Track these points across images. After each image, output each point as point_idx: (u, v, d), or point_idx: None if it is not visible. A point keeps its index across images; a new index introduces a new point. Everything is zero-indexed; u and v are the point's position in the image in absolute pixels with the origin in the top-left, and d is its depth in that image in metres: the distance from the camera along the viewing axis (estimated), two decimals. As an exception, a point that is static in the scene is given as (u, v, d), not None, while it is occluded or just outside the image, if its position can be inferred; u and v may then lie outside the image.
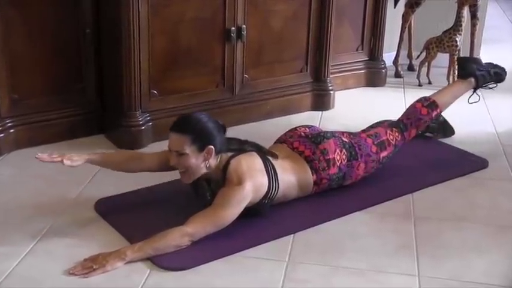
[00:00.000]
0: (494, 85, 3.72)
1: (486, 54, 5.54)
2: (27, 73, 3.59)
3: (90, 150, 3.59)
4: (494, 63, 3.76)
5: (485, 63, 3.74)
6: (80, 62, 3.73)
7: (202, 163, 2.80)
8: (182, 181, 2.87)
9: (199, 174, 2.83)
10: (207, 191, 2.87)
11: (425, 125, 3.49)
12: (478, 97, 3.74)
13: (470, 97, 3.73)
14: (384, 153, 3.27)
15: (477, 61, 3.77)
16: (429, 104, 3.47)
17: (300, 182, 3.05)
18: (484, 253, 2.78)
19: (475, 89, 3.70)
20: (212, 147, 2.78)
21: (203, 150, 2.77)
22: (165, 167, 2.92)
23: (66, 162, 2.79)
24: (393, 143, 3.31)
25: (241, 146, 2.94)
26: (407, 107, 3.56)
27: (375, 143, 3.25)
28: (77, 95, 3.77)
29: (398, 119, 3.45)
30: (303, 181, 3.06)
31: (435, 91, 3.66)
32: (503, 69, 3.72)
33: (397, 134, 3.34)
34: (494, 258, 2.75)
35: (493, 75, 3.67)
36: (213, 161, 2.82)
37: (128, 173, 3.00)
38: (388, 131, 3.33)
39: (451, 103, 3.60)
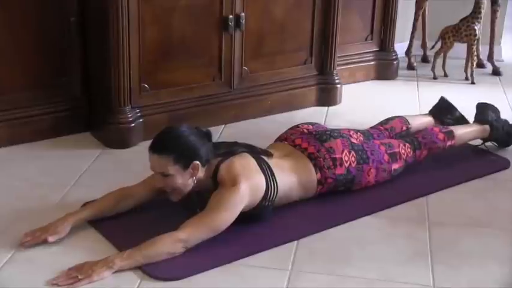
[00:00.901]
0: (497, 145, 3.78)
1: (508, 44, 5.54)
2: (7, 66, 3.58)
3: (76, 149, 3.62)
4: (510, 122, 3.81)
5: (502, 119, 3.81)
6: (64, 54, 3.73)
7: (189, 179, 2.81)
8: (171, 200, 2.88)
9: (188, 190, 2.85)
10: (197, 206, 2.85)
11: (437, 151, 3.49)
12: (484, 147, 3.79)
13: (477, 146, 3.76)
14: (395, 165, 3.29)
15: (496, 111, 3.84)
16: (447, 131, 3.53)
17: (302, 181, 3.05)
18: (504, 262, 2.78)
19: (485, 140, 3.75)
20: (197, 162, 2.79)
21: (188, 167, 2.79)
22: (156, 192, 2.94)
23: (52, 238, 2.73)
24: (404, 157, 3.33)
25: (230, 149, 2.94)
26: (420, 108, 3.59)
27: (388, 152, 3.27)
28: (61, 90, 3.76)
29: (414, 136, 3.48)
30: (306, 180, 3.06)
31: (451, 84, 3.66)
32: None
33: (409, 150, 3.37)
34: (516, 267, 2.76)
35: (504, 132, 3.75)
36: (201, 174, 2.84)
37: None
38: (401, 145, 3.35)
39: (465, 141, 3.66)
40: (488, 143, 3.75)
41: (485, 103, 3.86)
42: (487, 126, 3.70)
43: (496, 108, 3.84)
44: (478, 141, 3.74)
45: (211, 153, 2.86)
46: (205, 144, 2.85)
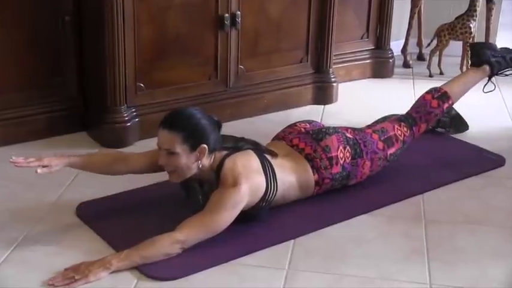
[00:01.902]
0: (511, 72, 3.71)
1: (503, 41, 5.54)
2: (1, 66, 3.58)
3: (71, 149, 3.60)
4: (511, 48, 3.75)
5: (501, 49, 3.73)
6: (59, 53, 3.73)
7: (193, 163, 2.79)
8: (170, 181, 2.87)
9: (190, 175, 2.83)
10: (199, 193, 2.87)
11: (436, 118, 3.48)
12: (493, 86, 3.74)
13: (485, 86, 3.72)
14: (391, 150, 3.27)
15: (491, 47, 3.76)
16: (440, 95, 3.47)
17: (300, 182, 3.05)
18: (501, 259, 2.78)
19: (490, 77, 3.68)
20: (205, 146, 2.78)
21: (195, 149, 2.77)
22: (154, 167, 2.93)
23: (42, 171, 2.75)
24: (401, 138, 3.31)
25: (237, 144, 2.94)
26: (416, 99, 3.56)
27: (382, 139, 3.26)
28: (56, 89, 3.76)
29: (407, 113, 3.45)
30: (304, 181, 3.06)
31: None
32: None
33: (405, 129, 3.34)
34: (512, 264, 2.76)
35: (509, 61, 3.66)
36: (205, 161, 2.82)
37: (114, 175, 3.00)
38: (396, 126, 3.33)
39: (464, 94, 3.60)
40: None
41: (478, 43, 3.81)
42: (485, 67, 3.63)
43: (490, 44, 3.78)
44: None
45: (218, 143, 2.85)
46: (215, 132, 2.83)
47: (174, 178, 2.85)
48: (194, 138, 2.76)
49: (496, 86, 3.81)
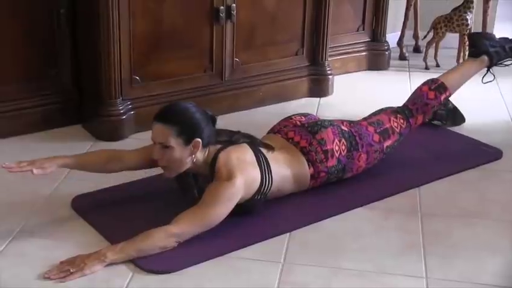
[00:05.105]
0: (511, 62, 3.69)
1: (500, 33, 5.54)
2: (-5, 57, 3.58)
3: (66, 142, 3.61)
4: (510, 37, 3.74)
5: (499, 39, 3.71)
6: (54, 45, 3.72)
7: (187, 157, 2.80)
8: (164, 176, 2.88)
9: (183, 169, 2.83)
10: (194, 188, 2.88)
11: (433, 110, 3.48)
12: (492, 76, 3.71)
13: (484, 76, 3.70)
14: (387, 143, 3.28)
15: (490, 37, 3.74)
16: (437, 86, 3.46)
17: (296, 175, 3.05)
18: (497, 252, 2.79)
19: (488, 68, 3.66)
20: (199, 140, 2.78)
21: (190, 143, 2.77)
22: (148, 163, 2.94)
23: (37, 171, 2.75)
24: (397, 131, 3.32)
25: (232, 138, 2.94)
26: (413, 91, 3.56)
27: (378, 131, 3.26)
28: (50, 82, 3.76)
29: (404, 105, 3.45)
30: (299, 175, 3.06)
31: (444, 74, 3.65)
32: None
33: (401, 121, 3.34)
34: (509, 258, 2.76)
35: (508, 51, 3.64)
36: (200, 155, 2.82)
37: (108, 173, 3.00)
38: (392, 118, 3.33)
39: (462, 85, 3.59)
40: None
41: (477, 32, 3.79)
42: (484, 57, 3.60)
43: (489, 34, 3.76)
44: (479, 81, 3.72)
45: (213, 137, 2.85)
46: (209, 126, 2.84)
47: (168, 173, 2.85)
48: (188, 132, 2.77)
49: (494, 79, 3.79)
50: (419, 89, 3.49)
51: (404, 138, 3.37)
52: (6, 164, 2.73)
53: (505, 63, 3.69)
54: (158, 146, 2.79)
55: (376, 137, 3.25)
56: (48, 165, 2.78)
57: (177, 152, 2.77)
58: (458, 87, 3.57)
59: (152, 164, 2.91)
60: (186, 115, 2.79)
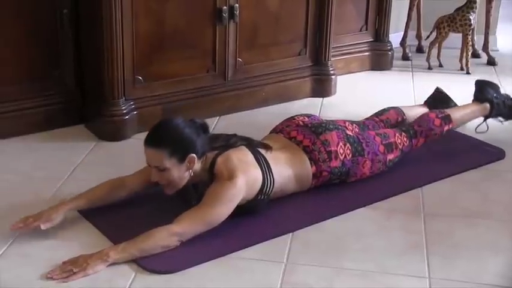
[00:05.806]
0: (503, 120, 3.75)
1: (503, 33, 5.55)
2: (-2, 58, 3.59)
3: (70, 142, 3.61)
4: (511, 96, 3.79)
5: (503, 93, 3.78)
6: (57, 46, 3.72)
7: (185, 173, 2.81)
8: (165, 193, 2.88)
9: (183, 184, 2.84)
10: (194, 197, 2.86)
11: (434, 138, 3.48)
12: (486, 127, 3.75)
13: (478, 126, 3.74)
14: (390, 156, 3.29)
15: (495, 87, 3.81)
16: (444, 116, 3.50)
17: (298, 174, 3.05)
18: (500, 253, 2.79)
19: (486, 118, 3.72)
20: (194, 155, 2.78)
21: (184, 160, 2.78)
22: (150, 184, 2.93)
23: (44, 226, 2.73)
24: (400, 147, 3.33)
25: (229, 141, 2.94)
26: (415, 99, 3.57)
27: (383, 143, 3.27)
28: (53, 82, 3.76)
29: (409, 124, 3.47)
30: (301, 174, 3.06)
31: (446, 75, 3.65)
32: None
33: (405, 139, 3.36)
34: (511, 258, 2.76)
35: (506, 107, 3.71)
36: (197, 166, 2.83)
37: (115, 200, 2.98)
38: (397, 134, 3.35)
39: (464, 124, 3.66)
40: (490, 121, 3.70)
41: (484, 80, 3.82)
42: (486, 104, 3.67)
43: (495, 84, 3.80)
44: (479, 122, 3.72)
45: (207, 146, 2.85)
46: (201, 137, 2.83)
47: (170, 190, 2.86)
48: (180, 150, 2.76)
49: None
50: (426, 114, 3.53)
51: (403, 156, 3.36)
52: (14, 225, 2.73)
53: (499, 118, 3.75)
54: (155, 168, 2.79)
55: (382, 148, 3.25)
56: (55, 216, 2.78)
57: (175, 172, 2.78)
58: (460, 124, 3.62)
59: (154, 184, 2.90)
60: (175, 134, 2.78)
